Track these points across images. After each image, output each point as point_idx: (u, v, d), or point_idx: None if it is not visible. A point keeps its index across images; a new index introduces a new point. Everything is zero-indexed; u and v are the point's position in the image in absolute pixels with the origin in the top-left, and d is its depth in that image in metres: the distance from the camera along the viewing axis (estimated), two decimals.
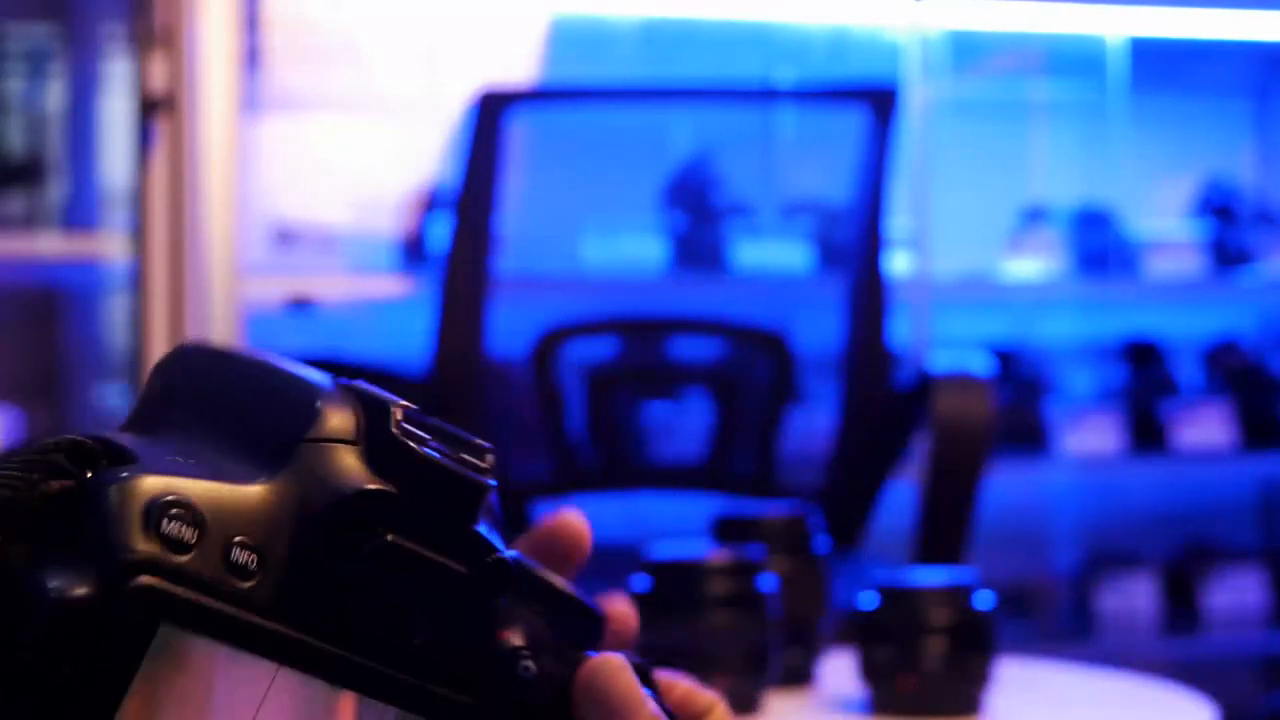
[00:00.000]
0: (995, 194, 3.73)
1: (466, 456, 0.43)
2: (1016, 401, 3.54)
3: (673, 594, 1.37)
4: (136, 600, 0.37)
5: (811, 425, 3.01)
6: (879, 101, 2.55)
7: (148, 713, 0.38)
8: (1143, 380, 3.70)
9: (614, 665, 0.50)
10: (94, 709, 0.37)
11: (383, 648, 0.41)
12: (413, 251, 3.23)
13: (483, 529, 0.43)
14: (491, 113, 2.44)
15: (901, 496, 2.54)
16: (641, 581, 1.37)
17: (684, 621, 1.36)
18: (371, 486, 0.40)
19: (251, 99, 3.25)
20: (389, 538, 0.41)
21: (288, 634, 0.40)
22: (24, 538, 0.37)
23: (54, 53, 3.12)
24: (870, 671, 1.39)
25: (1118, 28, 3.73)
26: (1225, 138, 4.08)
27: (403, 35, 3.41)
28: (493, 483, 0.43)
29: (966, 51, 3.69)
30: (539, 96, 3.13)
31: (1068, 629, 3.63)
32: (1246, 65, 4.12)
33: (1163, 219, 3.85)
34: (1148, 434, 3.59)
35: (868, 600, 1.40)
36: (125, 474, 0.38)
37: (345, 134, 3.41)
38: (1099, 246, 3.65)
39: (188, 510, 0.38)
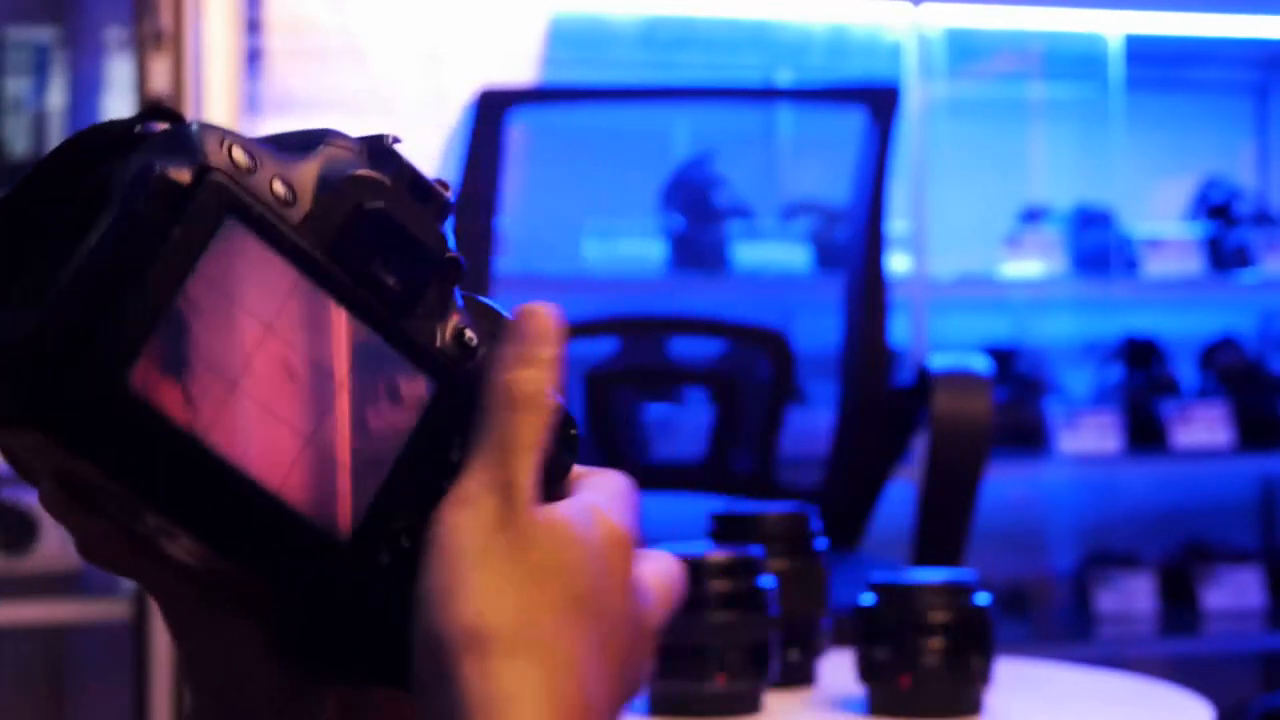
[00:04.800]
0: (994, 194, 3.73)
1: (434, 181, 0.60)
2: (1015, 401, 3.54)
3: None
4: (214, 190, 0.53)
5: (811, 425, 3.01)
6: (878, 101, 2.56)
7: (204, 287, 0.53)
8: (1141, 380, 3.70)
9: (544, 313, 0.60)
10: (171, 271, 0.52)
11: (370, 284, 0.56)
12: None
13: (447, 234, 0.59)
14: (491, 113, 2.45)
15: (901, 496, 2.55)
16: None
17: (684, 620, 1.36)
18: (367, 172, 0.57)
19: (252, 100, 3.25)
20: (380, 205, 0.57)
21: (307, 249, 0.55)
22: (143, 150, 0.54)
23: (56, 53, 3.12)
24: (869, 671, 1.40)
25: (1116, 27, 3.73)
26: (1224, 138, 4.08)
27: (403, 36, 3.41)
28: (448, 195, 0.60)
29: (965, 51, 3.69)
30: (539, 96, 3.14)
31: (1066, 628, 3.64)
32: (1246, 65, 4.13)
33: (1161, 219, 3.85)
34: (1146, 433, 3.59)
35: (866, 599, 1.40)
36: (207, 123, 0.55)
37: None
38: (1098, 246, 3.66)
39: (247, 148, 0.54)
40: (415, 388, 0.58)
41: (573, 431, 0.61)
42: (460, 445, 0.58)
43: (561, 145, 3.55)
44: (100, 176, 0.54)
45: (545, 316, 0.60)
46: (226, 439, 0.53)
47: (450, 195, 0.60)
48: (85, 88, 3.11)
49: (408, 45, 3.42)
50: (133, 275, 0.51)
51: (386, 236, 0.57)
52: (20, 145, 3.06)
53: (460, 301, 0.60)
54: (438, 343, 0.58)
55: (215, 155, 0.53)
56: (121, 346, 0.51)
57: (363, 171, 0.57)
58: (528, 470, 0.58)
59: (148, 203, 0.52)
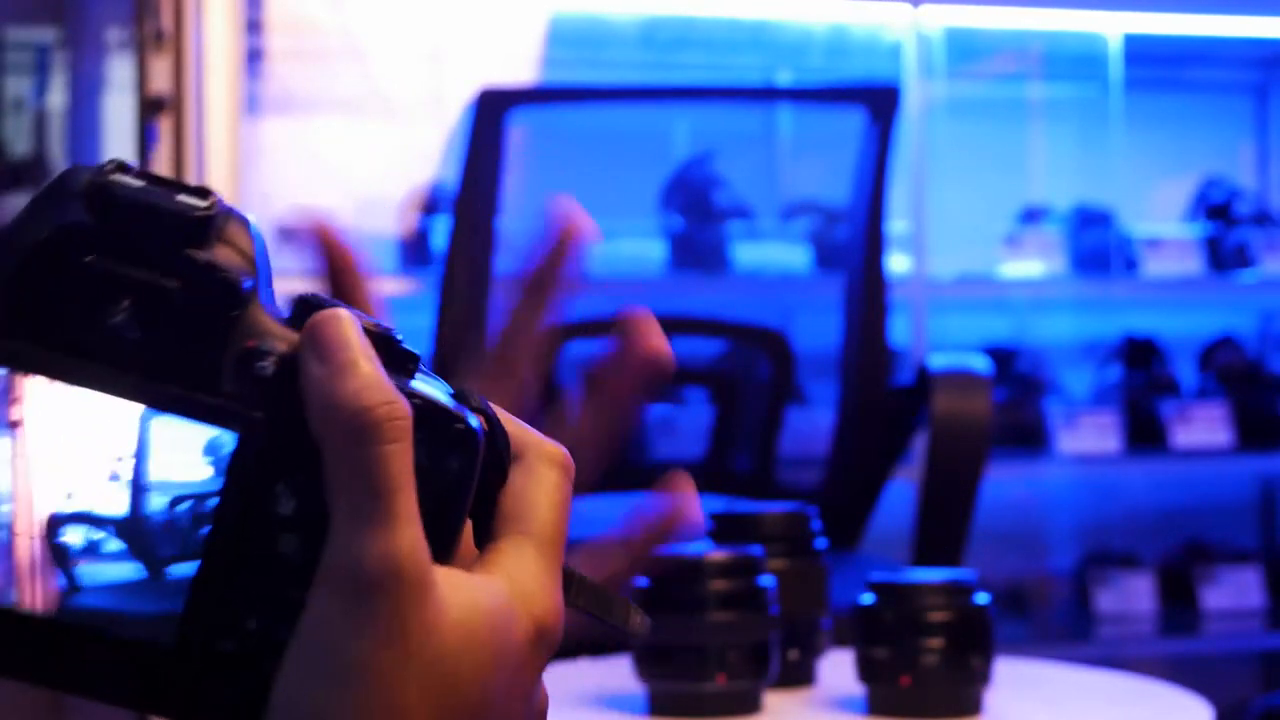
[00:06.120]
0: (993, 194, 3.74)
1: (182, 197, 0.50)
2: (1015, 401, 3.54)
3: (673, 592, 1.38)
4: None
5: (811, 425, 3.02)
6: (878, 102, 2.56)
7: None
8: (1141, 380, 3.70)
9: (338, 315, 0.50)
10: None
11: (109, 352, 0.48)
12: (414, 251, 3.24)
13: (210, 255, 0.49)
14: (491, 113, 2.45)
15: (900, 496, 2.55)
16: (642, 580, 1.38)
17: (684, 619, 1.36)
18: (70, 220, 0.48)
19: (253, 100, 3.26)
20: (88, 259, 0.48)
21: (20, 347, 0.48)
22: None
23: (56, 53, 3.12)
24: (869, 671, 1.40)
25: (1116, 27, 3.74)
26: (1223, 138, 4.08)
27: (403, 36, 3.41)
28: (204, 211, 0.49)
29: (965, 51, 3.69)
30: (539, 96, 3.14)
31: (1066, 628, 3.64)
32: (1246, 65, 4.13)
33: (1161, 219, 3.86)
34: (1146, 433, 3.59)
35: (866, 599, 1.41)
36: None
37: (346, 135, 3.42)
38: (1097, 246, 3.66)
39: None
40: (213, 445, 0.49)
41: (459, 425, 0.50)
42: (290, 492, 0.49)
43: (561, 145, 3.55)
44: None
45: (336, 317, 0.50)
46: (19, 589, 0.49)
47: (215, 202, 0.50)
48: (85, 88, 3.11)
49: (408, 45, 3.42)
50: None
51: (107, 289, 0.49)
52: (20, 145, 3.06)
53: (276, 314, 0.51)
54: (223, 384, 0.49)
55: None
56: None
57: (66, 220, 0.49)
58: (402, 523, 0.48)
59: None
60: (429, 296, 2.76)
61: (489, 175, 2.45)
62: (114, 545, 0.49)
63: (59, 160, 3.09)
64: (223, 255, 0.50)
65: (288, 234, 3.13)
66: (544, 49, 3.54)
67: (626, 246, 3.36)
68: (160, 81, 2.76)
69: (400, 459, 0.48)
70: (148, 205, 0.49)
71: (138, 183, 0.49)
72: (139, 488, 0.49)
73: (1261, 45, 4.04)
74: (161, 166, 2.78)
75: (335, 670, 0.48)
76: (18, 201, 2.99)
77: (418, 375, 0.51)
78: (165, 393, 0.49)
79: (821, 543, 1.55)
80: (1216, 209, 3.80)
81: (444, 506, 0.50)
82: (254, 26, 3.25)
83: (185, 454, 0.49)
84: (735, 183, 3.47)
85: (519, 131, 3.33)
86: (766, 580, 1.41)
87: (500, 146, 2.46)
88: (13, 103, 3.08)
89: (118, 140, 3.00)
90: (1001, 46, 3.84)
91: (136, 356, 0.49)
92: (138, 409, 0.49)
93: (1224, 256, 3.69)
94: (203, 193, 0.50)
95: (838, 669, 1.51)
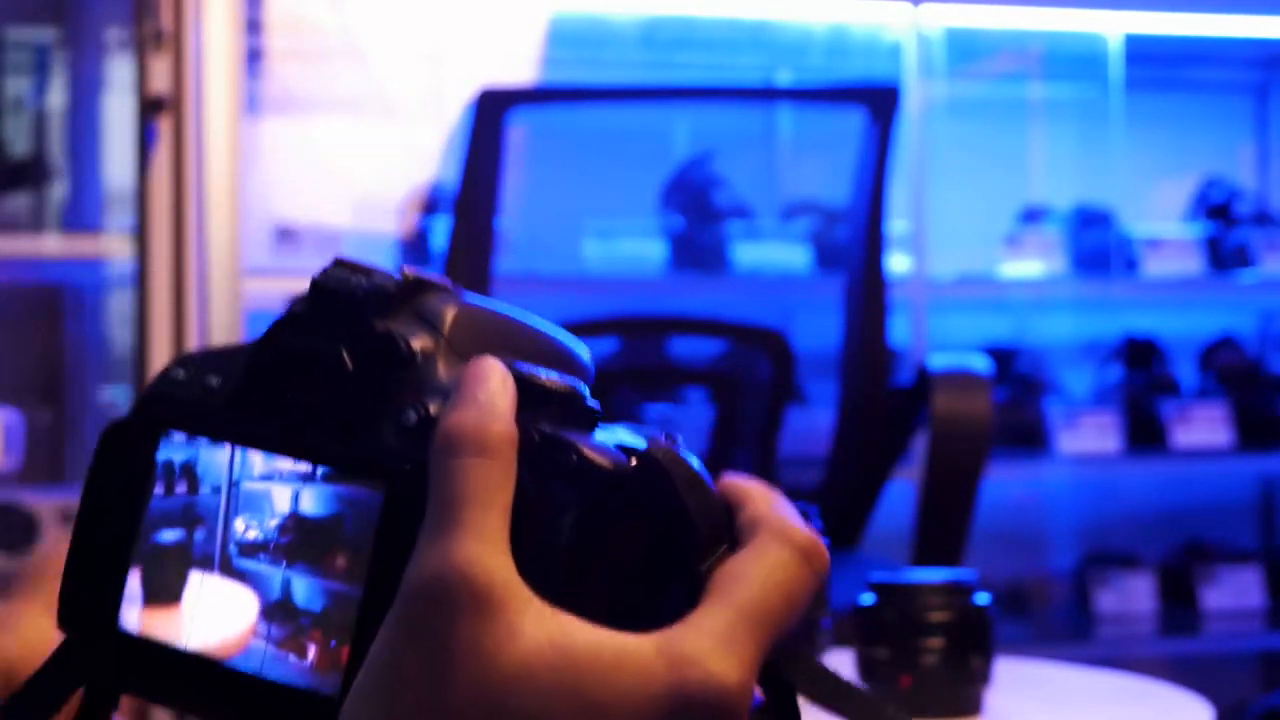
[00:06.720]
0: (993, 194, 3.73)
1: (379, 277, 0.55)
2: (1015, 401, 3.54)
3: None
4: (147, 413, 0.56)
5: (811, 425, 3.02)
6: (878, 102, 2.56)
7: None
8: (1141, 380, 3.70)
9: (483, 360, 0.50)
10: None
11: (289, 419, 0.53)
12: (414, 251, 3.24)
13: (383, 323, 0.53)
14: (491, 113, 2.45)
15: (901, 496, 2.55)
16: None
17: None
18: (288, 309, 0.54)
19: (253, 100, 3.26)
20: (279, 338, 0.54)
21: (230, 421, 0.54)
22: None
23: (56, 53, 3.12)
24: (869, 671, 1.40)
25: (1116, 27, 3.73)
26: (1224, 138, 4.08)
27: (403, 36, 3.41)
28: (383, 285, 0.54)
29: (965, 51, 3.69)
30: (539, 96, 3.14)
31: (1066, 628, 3.64)
32: (1246, 65, 4.13)
33: (1161, 219, 3.86)
34: (1146, 433, 3.59)
35: (866, 599, 1.41)
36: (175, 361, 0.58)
37: (346, 135, 3.42)
38: (1097, 246, 3.66)
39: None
40: (368, 503, 0.51)
41: (574, 456, 0.49)
42: None
43: (561, 145, 3.55)
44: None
45: (483, 361, 0.50)
46: (198, 636, 0.53)
47: (403, 278, 0.54)
48: (85, 88, 3.11)
49: (408, 45, 3.42)
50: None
51: (292, 364, 0.54)
52: (20, 145, 3.06)
53: (430, 381, 0.52)
54: (385, 440, 0.51)
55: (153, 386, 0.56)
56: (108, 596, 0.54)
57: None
58: (466, 535, 0.46)
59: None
60: None
61: (489, 175, 2.45)
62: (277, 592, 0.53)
63: (59, 160, 3.09)
64: (403, 324, 0.53)
65: (287, 235, 3.13)
66: (544, 49, 3.54)
67: (626, 246, 3.36)
68: (160, 81, 2.76)
69: (481, 472, 0.47)
70: (338, 284, 0.54)
71: (344, 272, 0.54)
72: (298, 544, 0.52)
73: (1261, 45, 4.04)
74: (161, 166, 2.78)
75: (377, 680, 0.46)
76: (18, 201, 2.99)
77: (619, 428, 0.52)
78: (320, 449, 0.52)
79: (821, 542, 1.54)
80: (1216, 209, 3.80)
81: (547, 536, 0.48)
82: (254, 26, 3.24)
83: (344, 506, 0.52)
84: (735, 183, 3.47)
85: (519, 131, 3.33)
86: None
87: (500, 146, 2.46)
88: (12, 103, 3.08)
89: (118, 140, 3.00)
90: (1001, 46, 3.84)
91: (300, 416, 0.53)
92: (300, 473, 0.52)
93: (1224, 256, 3.69)
94: (406, 274, 0.54)
95: (838, 669, 1.51)
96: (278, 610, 0.52)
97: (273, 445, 0.53)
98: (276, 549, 0.52)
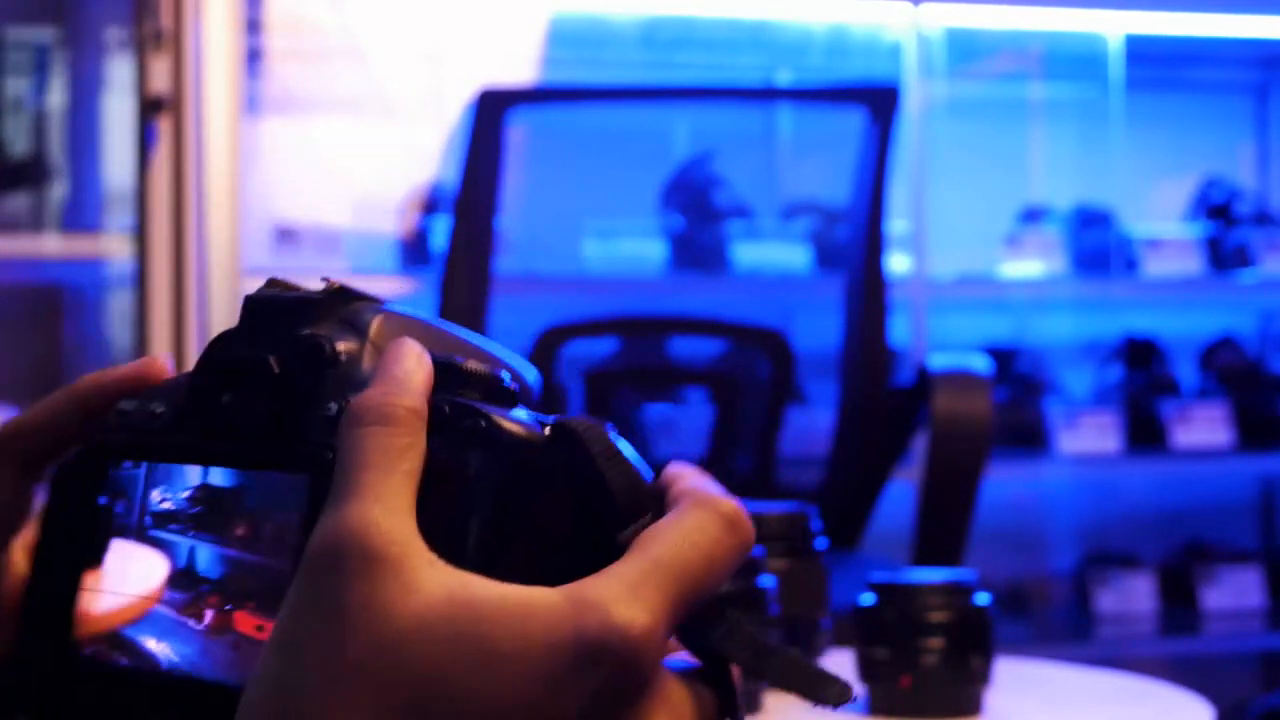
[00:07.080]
0: (993, 194, 3.73)
1: (307, 290, 0.57)
2: (1015, 401, 3.54)
3: None
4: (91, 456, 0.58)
5: (811, 425, 3.02)
6: (878, 101, 2.56)
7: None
8: (1141, 380, 3.70)
9: (399, 341, 0.52)
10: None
11: (211, 426, 0.55)
12: (413, 251, 3.24)
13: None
14: (491, 113, 2.45)
15: (901, 496, 2.55)
16: None
17: None
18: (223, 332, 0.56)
19: (253, 99, 3.26)
20: (215, 355, 0.55)
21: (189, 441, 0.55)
22: None
23: (56, 53, 3.12)
24: (869, 671, 1.40)
25: (1116, 27, 3.74)
26: (1224, 138, 4.08)
27: (403, 36, 3.41)
28: (306, 296, 0.56)
29: (965, 51, 3.69)
30: (539, 96, 3.14)
31: (1066, 628, 3.64)
32: (1246, 65, 4.13)
33: (1161, 219, 3.86)
34: (1146, 433, 3.59)
35: (866, 599, 1.41)
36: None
37: (346, 134, 3.42)
38: (1097, 246, 3.66)
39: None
40: (273, 475, 0.53)
41: (482, 423, 0.50)
42: None
43: (561, 145, 3.55)
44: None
45: (401, 342, 0.52)
46: (110, 597, 0.55)
47: (325, 290, 0.56)
48: (85, 88, 3.11)
49: (408, 45, 3.42)
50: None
51: (226, 377, 0.55)
52: (20, 145, 3.06)
53: (355, 378, 0.54)
54: (310, 433, 0.53)
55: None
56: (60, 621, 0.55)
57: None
58: (361, 499, 0.46)
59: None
60: (429, 296, 2.76)
61: (489, 175, 2.46)
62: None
63: (58, 160, 3.09)
64: (329, 329, 0.55)
65: (287, 235, 3.13)
66: (544, 49, 3.54)
67: (626, 246, 3.36)
68: (160, 81, 2.76)
69: (380, 440, 0.47)
70: (269, 299, 0.56)
71: (274, 289, 0.57)
72: (234, 539, 0.54)
73: (1261, 45, 4.04)
74: (161, 166, 2.78)
75: (278, 643, 0.46)
76: (18, 201, 2.99)
77: (523, 410, 0.52)
78: (249, 452, 0.53)
79: (821, 543, 1.55)
80: (1216, 209, 3.80)
81: (459, 503, 0.48)
82: (254, 26, 3.24)
83: (251, 478, 0.54)
84: (735, 183, 3.47)
85: (519, 131, 3.33)
86: (766, 580, 1.41)
87: (500, 146, 2.46)
88: (12, 103, 3.08)
89: (118, 140, 3.00)
90: (1001, 46, 3.84)
91: (233, 424, 0.54)
92: (235, 473, 0.54)
93: (1224, 256, 3.69)
94: (331, 284, 0.56)
95: (838, 669, 1.51)
96: (181, 577, 0.54)
97: (208, 459, 0.54)
98: (185, 518, 0.54)
